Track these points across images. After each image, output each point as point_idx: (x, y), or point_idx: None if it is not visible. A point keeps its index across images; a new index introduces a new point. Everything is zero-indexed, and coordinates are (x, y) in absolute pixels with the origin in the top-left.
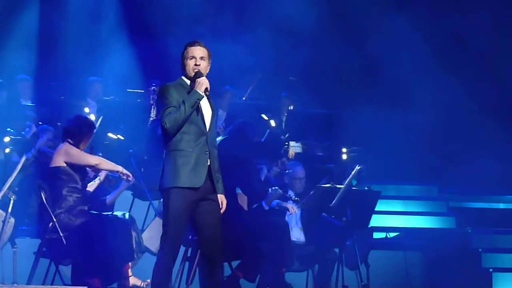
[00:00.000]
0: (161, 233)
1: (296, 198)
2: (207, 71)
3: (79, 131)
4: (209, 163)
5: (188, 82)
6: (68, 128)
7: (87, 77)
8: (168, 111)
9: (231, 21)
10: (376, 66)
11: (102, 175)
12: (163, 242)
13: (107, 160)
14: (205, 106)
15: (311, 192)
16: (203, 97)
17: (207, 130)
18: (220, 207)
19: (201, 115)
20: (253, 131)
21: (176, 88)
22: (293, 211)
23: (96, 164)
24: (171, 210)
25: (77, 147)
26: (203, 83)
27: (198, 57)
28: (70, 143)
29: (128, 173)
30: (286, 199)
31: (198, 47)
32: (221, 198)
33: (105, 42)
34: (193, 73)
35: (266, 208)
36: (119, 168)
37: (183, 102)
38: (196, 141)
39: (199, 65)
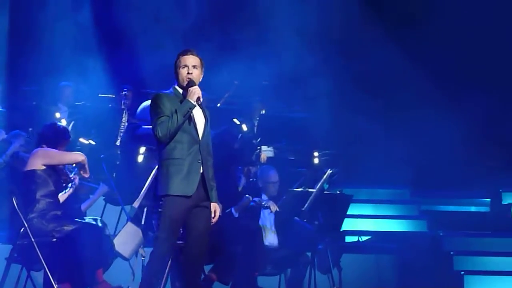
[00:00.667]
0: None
1: (267, 205)
2: (200, 80)
3: (55, 138)
4: (201, 171)
5: (181, 91)
6: (44, 134)
7: (58, 82)
8: (161, 120)
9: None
10: (348, 69)
11: (76, 179)
12: (154, 246)
13: (75, 153)
14: (198, 115)
15: (284, 197)
16: (195, 106)
17: (200, 138)
18: (212, 216)
19: (194, 124)
20: (233, 139)
21: (168, 97)
22: (274, 209)
23: (82, 160)
24: (164, 216)
25: None
26: (195, 92)
27: (191, 65)
28: (44, 148)
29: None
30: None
31: (191, 55)
32: (214, 206)
33: (76, 47)
34: (186, 82)
35: (236, 215)
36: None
37: (176, 111)
38: (189, 150)
39: (192, 73)
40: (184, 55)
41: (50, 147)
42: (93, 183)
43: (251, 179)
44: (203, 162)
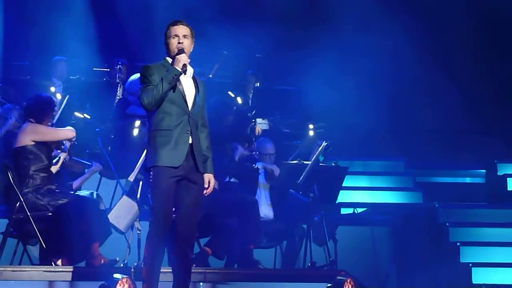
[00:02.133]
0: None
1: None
2: (191, 50)
3: (40, 110)
4: (190, 142)
5: (171, 61)
6: (29, 107)
7: (52, 57)
8: (147, 89)
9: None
10: (343, 41)
11: (67, 144)
12: (151, 218)
13: (67, 129)
14: (188, 85)
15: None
16: (181, 73)
17: (190, 109)
18: (206, 186)
19: (183, 94)
20: (227, 110)
21: (157, 68)
22: (277, 172)
23: (73, 136)
24: (155, 187)
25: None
26: (181, 60)
27: (181, 35)
28: (32, 122)
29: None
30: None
31: (181, 25)
32: (208, 177)
33: (70, 20)
34: (177, 51)
35: (226, 179)
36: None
37: (161, 79)
38: (177, 121)
39: (182, 43)
40: (174, 25)
41: (36, 119)
42: (87, 161)
43: (253, 152)
44: (192, 133)
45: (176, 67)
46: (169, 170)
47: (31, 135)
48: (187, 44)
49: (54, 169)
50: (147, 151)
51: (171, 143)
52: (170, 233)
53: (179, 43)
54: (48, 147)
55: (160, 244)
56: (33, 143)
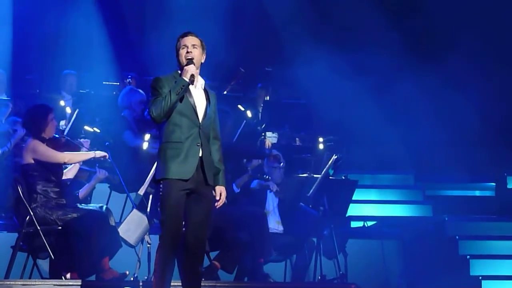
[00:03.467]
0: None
1: (268, 177)
2: (202, 61)
3: (34, 122)
4: (200, 155)
5: (180, 73)
6: (25, 123)
7: (62, 71)
8: (156, 101)
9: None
10: (353, 52)
11: (86, 143)
12: (161, 231)
13: (76, 153)
14: (199, 98)
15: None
16: (188, 83)
17: (200, 121)
18: (218, 199)
19: (193, 106)
20: (224, 116)
21: (167, 80)
22: (275, 189)
23: (65, 162)
24: (164, 200)
25: (41, 136)
26: (188, 70)
27: (190, 45)
28: (34, 136)
29: (102, 153)
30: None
31: (190, 36)
32: (220, 189)
33: (80, 35)
34: (186, 62)
35: (237, 190)
36: (92, 154)
37: (169, 91)
38: (188, 133)
39: (191, 52)
40: (183, 36)
41: (36, 132)
42: (91, 168)
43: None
44: (202, 145)
45: (184, 78)
46: (178, 182)
47: (31, 153)
48: (197, 54)
49: (70, 173)
50: (157, 164)
51: (181, 156)
52: (180, 246)
53: (187, 52)
54: (56, 163)
55: (170, 257)
56: (33, 161)
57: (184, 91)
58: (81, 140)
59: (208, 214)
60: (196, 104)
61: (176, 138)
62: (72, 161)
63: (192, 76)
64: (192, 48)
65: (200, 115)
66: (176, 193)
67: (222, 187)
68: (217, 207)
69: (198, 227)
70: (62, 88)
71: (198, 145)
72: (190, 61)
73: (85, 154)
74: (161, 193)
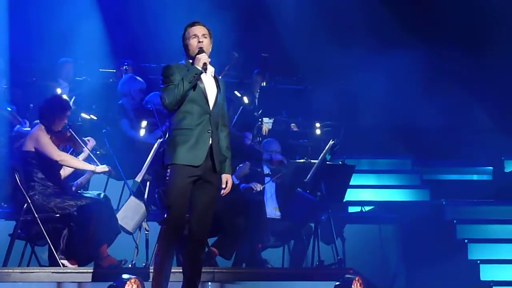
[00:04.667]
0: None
1: (268, 173)
2: (210, 50)
3: (52, 112)
4: (210, 142)
5: (190, 63)
6: (42, 108)
7: (58, 58)
8: (168, 88)
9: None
10: (348, 37)
11: (85, 151)
12: (166, 216)
13: (74, 158)
14: (210, 85)
15: (283, 171)
16: (201, 72)
17: (211, 109)
18: (224, 186)
19: (204, 94)
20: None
21: (178, 68)
22: (258, 188)
23: (58, 161)
24: (171, 185)
25: (50, 127)
26: (201, 59)
27: (200, 34)
28: (44, 124)
29: (104, 168)
30: (258, 173)
31: (199, 26)
32: (226, 177)
33: (77, 22)
34: (197, 51)
35: (236, 181)
36: (92, 168)
37: (182, 79)
38: (198, 120)
39: (202, 41)
40: (192, 26)
41: (48, 121)
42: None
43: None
44: (212, 133)
45: (197, 66)
46: (187, 168)
47: (34, 142)
48: (207, 43)
49: (65, 172)
50: (165, 149)
51: (191, 142)
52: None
53: (199, 42)
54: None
55: (172, 242)
56: (34, 149)
57: (196, 80)
58: (86, 138)
59: (213, 202)
60: (207, 92)
61: (186, 125)
62: (65, 163)
63: (205, 64)
64: (203, 37)
65: (211, 102)
66: (184, 179)
67: (228, 175)
68: (223, 195)
69: (203, 214)
70: (59, 75)
71: (208, 132)
72: (201, 50)
73: (84, 164)
74: (168, 178)
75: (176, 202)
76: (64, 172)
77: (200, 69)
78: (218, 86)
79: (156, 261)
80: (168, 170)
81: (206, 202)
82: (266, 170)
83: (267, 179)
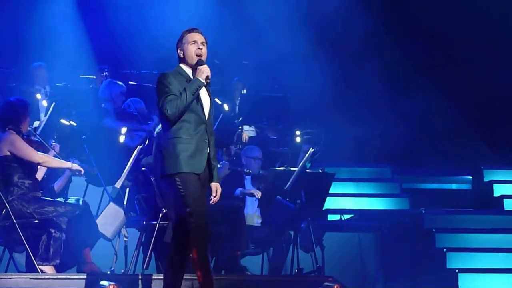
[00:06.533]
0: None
1: (248, 171)
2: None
3: (15, 114)
4: (208, 151)
5: (186, 69)
6: (5, 114)
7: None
8: (169, 98)
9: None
10: (328, 44)
11: (56, 148)
12: (191, 223)
13: (53, 158)
14: (204, 94)
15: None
16: (204, 84)
17: (206, 118)
18: (214, 195)
19: (201, 103)
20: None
21: (175, 77)
22: (258, 195)
23: (40, 163)
24: (188, 193)
25: (20, 130)
26: (204, 71)
27: (200, 41)
28: (12, 130)
29: (79, 167)
30: (239, 173)
31: (198, 33)
32: (216, 186)
33: (56, 27)
34: (196, 59)
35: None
36: (68, 165)
37: (184, 89)
38: (196, 129)
39: (202, 49)
40: (191, 32)
41: (13, 125)
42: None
43: (233, 158)
44: (209, 142)
45: (199, 78)
46: (194, 175)
47: (8, 146)
48: (205, 52)
49: (40, 174)
50: (163, 159)
51: (191, 151)
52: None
53: (199, 48)
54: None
55: (204, 250)
56: (9, 153)
57: (198, 91)
58: (52, 143)
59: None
60: (203, 101)
61: (186, 134)
62: (46, 164)
63: (207, 77)
64: (202, 45)
65: (206, 111)
66: (196, 185)
67: (217, 183)
68: (212, 203)
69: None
70: (35, 81)
71: (205, 141)
72: (201, 61)
73: (61, 162)
74: (180, 188)
75: (198, 209)
76: (38, 175)
77: (203, 81)
78: (210, 96)
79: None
80: (177, 180)
81: (206, 208)
82: (248, 188)
83: (247, 178)
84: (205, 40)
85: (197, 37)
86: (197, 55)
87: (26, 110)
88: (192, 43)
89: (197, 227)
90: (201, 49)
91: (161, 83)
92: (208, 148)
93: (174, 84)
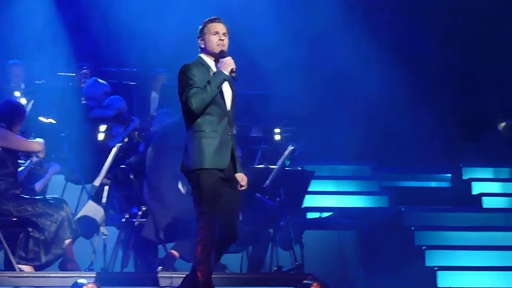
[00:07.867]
0: (198, 213)
1: None
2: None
3: (11, 116)
4: (231, 144)
5: (208, 60)
6: (3, 112)
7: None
8: (194, 91)
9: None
10: (307, 43)
11: (33, 159)
12: (202, 222)
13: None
14: (225, 86)
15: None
16: (229, 77)
17: (228, 110)
18: (242, 185)
19: (223, 96)
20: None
21: (198, 68)
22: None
23: (40, 150)
24: (206, 191)
25: (10, 130)
26: (228, 64)
27: (221, 32)
28: (3, 127)
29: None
30: None
31: (220, 23)
32: (242, 176)
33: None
34: (218, 48)
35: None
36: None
37: (209, 82)
38: (219, 122)
39: (223, 40)
40: (213, 22)
41: (7, 124)
42: (45, 162)
43: None
44: (232, 134)
45: (224, 71)
46: (215, 171)
47: (1, 141)
48: (227, 43)
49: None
50: (188, 153)
51: (216, 144)
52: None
53: (220, 39)
54: (14, 154)
55: (212, 248)
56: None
57: (222, 84)
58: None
59: (237, 209)
60: (225, 94)
61: (210, 127)
62: (43, 150)
63: (232, 70)
64: (223, 36)
65: (228, 104)
66: (216, 183)
67: (242, 173)
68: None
69: (232, 214)
70: (11, 79)
71: (229, 134)
72: (223, 53)
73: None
74: (200, 183)
75: (212, 208)
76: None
77: (228, 74)
78: (231, 88)
79: (203, 268)
80: (198, 175)
81: (234, 203)
82: None
83: None
84: (227, 30)
85: (219, 27)
86: (220, 50)
87: (22, 116)
88: (214, 34)
89: (206, 225)
90: (223, 40)
91: (185, 74)
92: (231, 141)
93: (197, 76)
